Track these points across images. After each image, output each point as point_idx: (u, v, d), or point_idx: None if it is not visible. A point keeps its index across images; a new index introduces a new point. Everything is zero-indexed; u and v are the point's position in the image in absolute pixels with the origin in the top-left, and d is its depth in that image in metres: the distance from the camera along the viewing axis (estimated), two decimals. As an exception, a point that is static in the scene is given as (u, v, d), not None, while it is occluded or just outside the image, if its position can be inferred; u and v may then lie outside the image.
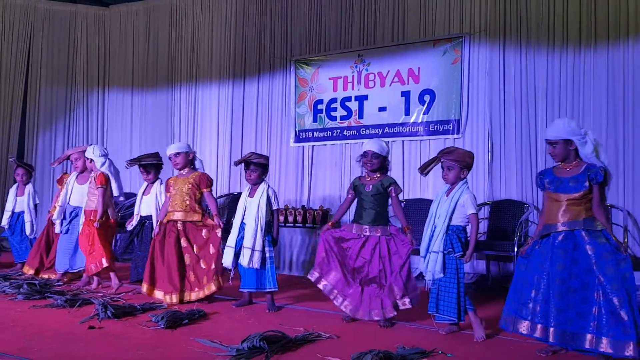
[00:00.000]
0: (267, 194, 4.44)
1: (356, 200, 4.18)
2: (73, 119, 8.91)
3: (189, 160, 4.72)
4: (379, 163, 4.06)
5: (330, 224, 4.25)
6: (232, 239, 4.44)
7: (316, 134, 7.03)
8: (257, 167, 4.47)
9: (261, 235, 4.33)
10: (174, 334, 3.54)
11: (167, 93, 8.27)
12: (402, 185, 6.47)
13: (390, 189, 4.02)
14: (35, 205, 6.30)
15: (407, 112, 6.44)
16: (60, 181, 5.90)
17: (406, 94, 6.45)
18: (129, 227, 5.09)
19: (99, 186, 5.04)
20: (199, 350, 3.14)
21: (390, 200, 4.09)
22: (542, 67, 5.72)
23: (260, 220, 4.35)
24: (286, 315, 4.17)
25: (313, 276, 4.13)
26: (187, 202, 4.58)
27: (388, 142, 6.42)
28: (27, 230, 6.12)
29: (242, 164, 4.59)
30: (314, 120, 7.05)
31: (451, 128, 6.16)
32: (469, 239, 3.62)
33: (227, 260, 4.40)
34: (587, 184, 3.13)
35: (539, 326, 3.15)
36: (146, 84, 8.49)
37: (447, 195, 3.74)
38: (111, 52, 8.82)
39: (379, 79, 6.64)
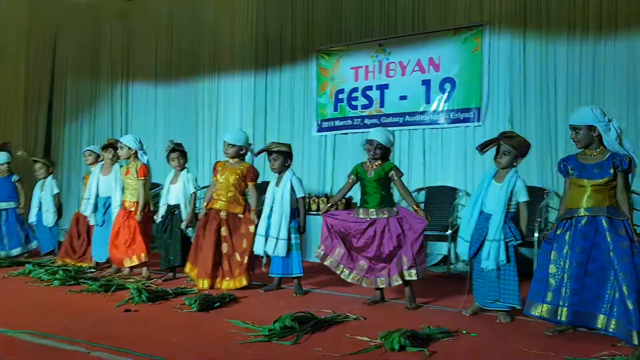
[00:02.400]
0: (291, 183, 4.56)
1: (360, 186, 4.25)
2: (98, 112, 9.14)
3: (241, 152, 4.80)
4: (382, 153, 4.15)
5: (330, 205, 4.37)
6: (261, 227, 4.59)
7: (337, 123, 7.14)
8: (278, 155, 4.59)
9: (286, 223, 4.46)
10: (206, 316, 3.70)
11: (190, 84, 8.42)
12: (423, 173, 6.59)
13: (391, 173, 4.10)
14: (58, 195, 6.46)
15: (428, 101, 6.51)
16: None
17: (427, 83, 6.53)
18: (158, 219, 5.23)
19: (142, 178, 5.15)
20: (232, 331, 3.28)
21: (393, 184, 4.17)
22: (563, 56, 5.76)
23: (285, 209, 4.48)
24: (313, 299, 4.31)
25: (318, 254, 4.28)
26: (232, 193, 4.69)
27: (409, 130, 6.66)
28: (47, 220, 6.33)
29: (266, 154, 4.71)
30: (335, 109, 7.16)
31: (472, 116, 6.23)
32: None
33: (258, 247, 4.55)
34: (611, 170, 3.20)
35: (557, 308, 3.23)
36: (169, 76, 8.64)
37: (496, 181, 3.77)
38: (135, 45, 8.97)
39: (399, 68, 6.72)
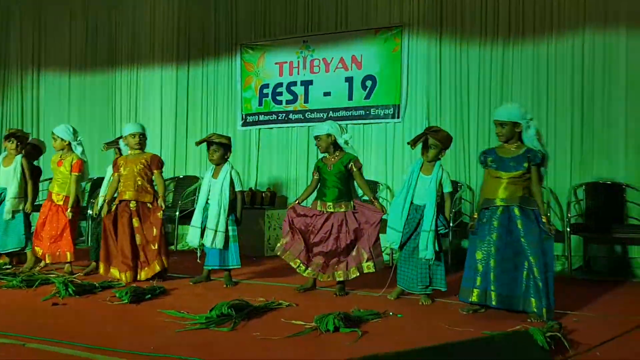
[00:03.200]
0: (230, 175, 4.62)
1: (320, 180, 4.39)
2: (7, 101, 8.66)
3: (144, 141, 4.82)
4: (326, 143, 4.29)
5: (297, 201, 4.49)
6: (196, 219, 4.61)
7: (262, 118, 7.22)
8: (218, 147, 4.63)
9: (224, 216, 4.52)
10: (138, 308, 3.70)
11: (107, 75, 8.18)
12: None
13: (350, 165, 4.26)
14: None
15: (351, 97, 6.75)
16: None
17: (349, 80, 6.76)
18: (95, 212, 5.13)
19: (76, 173, 5.00)
20: (168, 320, 3.32)
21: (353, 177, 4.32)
22: (475, 58, 6.17)
23: (223, 202, 4.53)
24: (243, 289, 4.39)
25: (279, 248, 4.38)
26: (140, 182, 4.69)
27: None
28: None
29: (206, 145, 4.72)
30: (260, 104, 7.24)
31: (392, 113, 6.52)
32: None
33: (194, 239, 4.58)
34: (526, 164, 3.52)
35: (485, 292, 3.52)
36: (85, 65, 8.34)
37: (424, 174, 4.02)
38: (47, 31, 8.56)
39: (323, 64, 6.90)
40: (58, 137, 5.08)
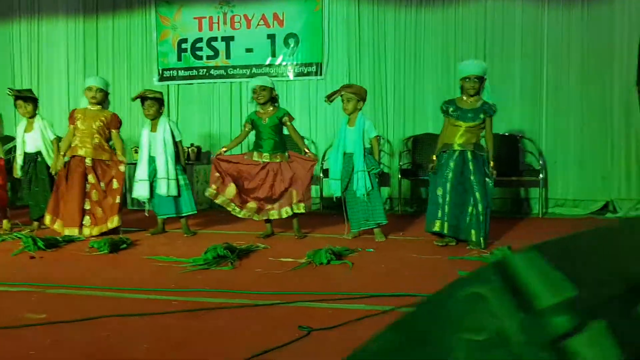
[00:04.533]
0: (170, 126, 4.71)
1: (255, 132, 4.64)
2: None
3: (106, 98, 4.74)
4: (268, 95, 4.55)
5: (224, 149, 4.70)
6: (143, 173, 4.68)
7: (182, 73, 7.19)
8: (153, 102, 4.72)
9: (172, 164, 4.65)
10: (122, 257, 3.79)
11: (4, 27, 7.56)
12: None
13: (284, 119, 4.58)
14: None
15: (274, 54, 6.96)
16: None
17: (272, 37, 6.96)
18: (19, 172, 4.93)
19: None
20: (162, 265, 3.48)
21: (285, 129, 4.65)
22: (391, 20, 6.68)
23: (168, 151, 4.66)
24: (205, 238, 4.58)
25: (210, 194, 4.58)
26: (97, 140, 4.64)
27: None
28: None
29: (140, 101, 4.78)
30: (179, 59, 7.19)
31: (314, 70, 6.86)
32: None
33: (143, 192, 4.64)
34: (482, 116, 4.09)
35: (443, 222, 4.08)
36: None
37: (349, 126, 4.47)
38: None
39: (244, 20, 7.01)
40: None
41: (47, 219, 4.58)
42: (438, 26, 6.56)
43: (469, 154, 4.08)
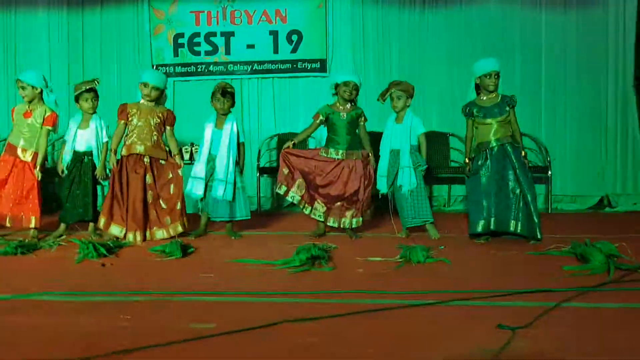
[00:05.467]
0: (237, 126, 4.56)
1: (328, 127, 4.56)
2: None
3: (161, 95, 4.49)
4: (357, 94, 4.52)
5: (291, 143, 4.56)
6: (201, 170, 4.49)
7: (179, 70, 6.90)
8: (231, 96, 4.55)
9: (233, 167, 4.47)
10: (196, 261, 3.59)
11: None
12: (274, 121, 6.96)
13: (361, 118, 4.54)
14: None
15: (276, 51, 6.84)
16: None
17: (274, 33, 6.83)
18: (63, 170, 4.58)
19: (50, 127, 4.40)
20: (251, 267, 3.34)
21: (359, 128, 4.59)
22: (395, 19, 6.76)
23: (232, 153, 4.47)
24: (256, 240, 4.43)
25: (281, 189, 4.47)
26: (155, 137, 4.39)
27: (258, 79, 6.90)
28: None
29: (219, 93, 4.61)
30: (176, 55, 6.89)
31: (319, 67, 6.81)
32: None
33: (199, 191, 4.47)
34: (507, 108, 4.21)
35: (490, 220, 4.17)
36: None
37: (397, 123, 4.50)
38: None
39: (245, 16, 6.84)
40: (28, 84, 4.39)
41: (102, 221, 4.28)
42: (441, 26, 6.73)
43: (508, 147, 4.18)
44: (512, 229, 4.18)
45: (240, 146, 4.61)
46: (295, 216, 5.72)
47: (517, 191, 4.18)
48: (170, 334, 2.10)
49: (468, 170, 4.34)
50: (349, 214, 4.49)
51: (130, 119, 4.38)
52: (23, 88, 4.40)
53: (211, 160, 4.53)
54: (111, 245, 3.85)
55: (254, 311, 2.43)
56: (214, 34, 6.87)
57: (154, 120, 4.39)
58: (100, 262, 3.45)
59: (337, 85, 4.57)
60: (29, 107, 4.44)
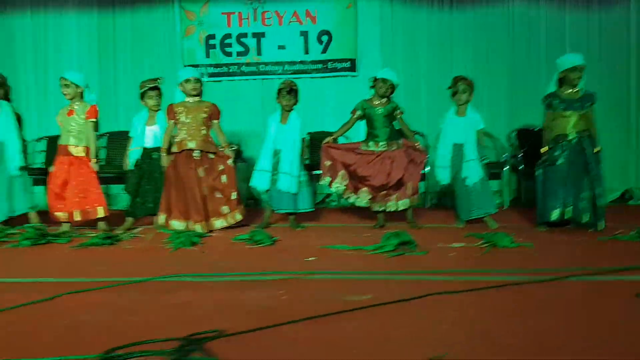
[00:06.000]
0: (300, 122, 4.71)
1: (366, 121, 4.76)
2: None
3: (201, 88, 4.64)
4: (392, 90, 4.68)
5: (331, 138, 4.75)
6: (265, 164, 4.63)
7: (211, 70, 6.96)
8: (296, 94, 4.69)
9: (297, 160, 4.61)
10: (288, 248, 3.70)
11: (4, 20, 6.92)
12: (305, 120, 7.05)
13: (397, 111, 4.71)
14: None
15: (307, 51, 6.96)
16: None
17: (305, 34, 6.95)
18: (129, 165, 4.69)
19: (93, 120, 4.48)
20: (348, 253, 3.46)
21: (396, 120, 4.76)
22: (423, 19, 6.95)
23: (297, 146, 4.64)
24: (322, 231, 4.55)
25: (325, 180, 4.65)
26: (204, 132, 4.50)
27: (289, 79, 6.99)
28: None
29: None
30: (207, 55, 6.96)
31: (349, 66, 6.94)
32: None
33: (263, 184, 4.59)
34: (588, 104, 4.39)
35: (564, 209, 4.32)
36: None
37: (459, 116, 4.65)
38: None
39: (276, 17, 6.95)
40: (72, 83, 4.45)
41: (162, 218, 4.40)
42: (468, 26, 6.93)
43: (586, 140, 4.37)
44: (585, 220, 4.31)
45: (302, 141, 4.72)
46: (333, 211, 5.87)
47: (590, 184, 4.32)
48: (328, 306, 2.20)
49: (544, 161, 4.46)
50: (393, 197, 4.64)
51: (177, 117, 4.51)
52: (67, 86, 4.49)
53: (276, 154, 4.63)
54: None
55: (396, 287, 2.55)
56: (245, 35, 6.96)
57: (201, 115, 4.53)
58: (199, 249, 3.55)
59: (375, 79, 4.72)
60: (70, 106, 4.51)
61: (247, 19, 6.95)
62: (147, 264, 3.30)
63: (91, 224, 4.54)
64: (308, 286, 2.62)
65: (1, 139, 4.64)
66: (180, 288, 2.62)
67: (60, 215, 4.42)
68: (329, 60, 6.96)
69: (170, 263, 3.23)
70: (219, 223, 4.48)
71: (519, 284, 2.55)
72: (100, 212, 4.44)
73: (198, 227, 4.33)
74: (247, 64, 6.98)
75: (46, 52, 6.98)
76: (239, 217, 4.54)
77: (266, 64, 6.97)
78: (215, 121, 4.62)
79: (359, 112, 4.70)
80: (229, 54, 6.97)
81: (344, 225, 4.88)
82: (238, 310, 2.23)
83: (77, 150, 4.46)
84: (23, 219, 4.65)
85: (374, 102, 4.70)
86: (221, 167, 4.56)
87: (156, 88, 4.72)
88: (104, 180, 5.95)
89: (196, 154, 4.47)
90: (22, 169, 4.67)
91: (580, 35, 6.83)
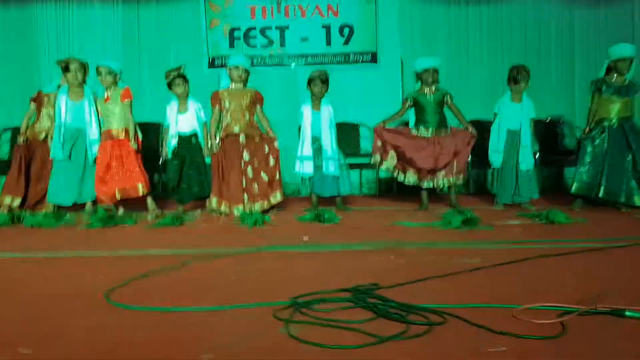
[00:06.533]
0: (331, 109, 4.93)
1: (416, 109, 5.02)
2: None
3: (247, 76, 4.85)
4: (437, 74, 4.99)
5: (383, 122, 5.04)
6: (307, 150, 4.85)
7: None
8: (327, 83, 4.89)
9: (336, 145, 4.91)
10: (358, 226, 3.94)
11: (27, 7, 6.93)
12: (334, 109, 7.28)
13: (447, 97, 4.99)
14: None
15: (329, 43, 7.17)
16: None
17: (327, 27, 7.15)
18: (167, 154, 4.83)
19: (127, 100, 4.69)
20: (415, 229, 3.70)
21: (446, 106, 5.05)
22: (441, 13, 7.22)
23: (333, 132, 4.93)
24: (371, 213, 4.79)
25: (375, 159, 4.96)
26: (248, 117, 4.74)
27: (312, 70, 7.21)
28: None
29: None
30: (231, 47, 7.11)
31: (369, 59, 7.18)
32: None
33: (309, 169, 4.84)
34: (633, 92, 4.74)
35: (595, 186, 4.66)
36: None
37: (514, 102, 4.96)
38: None
39: (299, 10, 7.14)
40: (112, 70, 4.60)
41: (214, 201, 4.59)
42: (483, 22, 7.24)
43: (626, 125, 4.71)
44: (622, 199, 4.65)
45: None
46: (363, 197, 6.14)
47: (632, 165, 4.66)
48: (447, 268, 2.45)
49: (584, 138, 4.80)
50: (441, 174, 4.91)
51: (222, 103, 4.70)
52: (103, 74, 4.65)
53: (315, 141, 4.88)
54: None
55: (493, 253, 2.81)
56: (269, 28, 7.13)
57: (245, 101, 4.75)
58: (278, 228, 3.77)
59: (417, 74, 4.98)
60: (106, 93, 4.70)
61: (271, 11, 7.12)
62: (237, 239, 3.50)
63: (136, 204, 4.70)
64: (414, 253, 2.84)
65: (81, 126, 4.75)
66: (287, 257, 2.82)
67: (104, 198, 4.56)
68: (351, 53, 7.18)
69: (261, 236, 3.44)
70: (259, 205, 4.68)
71: (602, 249, 2.83)
72: (140, 189, 4.58)
73: (236, 210, 4.56)
74: (271, 56, 7.15)
75: (70, 44, 7.01)
76: (279, 197, 4.77)
77: (289, 55, 7.16)
78: (259, 107, 4.84)
79: (409, 102, 4.98)
80: (253, 46, 7.13)
81: (385, 208, 5.11)
82: (361, 272, 2.44)
83: (118, 133, 4.64)
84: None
85: (424, 90, 4.97)
86: (267, 149, 4.77)
87: (182, 76, 4.87)
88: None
89: (241, 138, 4.67)
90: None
91: (588, 32, 7.21)
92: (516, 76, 4.97)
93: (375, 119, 7.11)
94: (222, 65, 7.10)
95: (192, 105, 4.86)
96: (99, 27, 7.05)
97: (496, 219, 4.09)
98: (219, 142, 4.70)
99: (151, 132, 6.71)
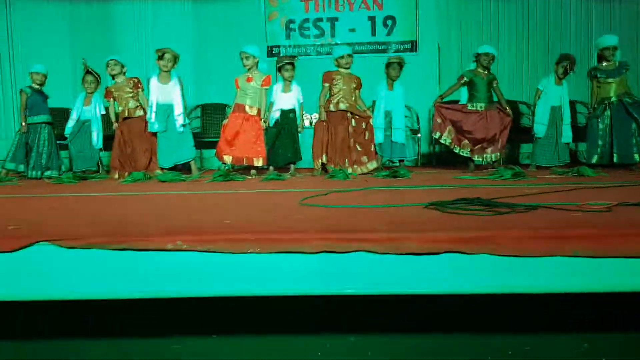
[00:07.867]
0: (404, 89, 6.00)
1: (469, 87, 5.94)
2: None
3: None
4: (492, 63, 5.91)
5: (440, 98, 5.98)
6: (380, 122, 5.82)
7: (290, 51, 8.01)
8: (402, 67, 5.98)
9: (404, 118, 5.91)
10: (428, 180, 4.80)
11: (105, 6, 7.86)
12: (370, 94, 8.18)
13: (495, 81, 5.92)
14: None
15: (374, 33, 8.06)
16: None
17: (372, 18, 8.05)
18: (269, 123, 5.73)
19: (266, 87, 5.58)
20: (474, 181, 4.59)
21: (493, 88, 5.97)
22: (474, 8, 8.12)
23: (403, 108, 5.97)
24: (425, 175, 5.67)
25: (435, 134, 5.89)
26: (354, 97, 5.73)
27: (358, 58, 8.09)
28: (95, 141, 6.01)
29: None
30: (287, 37, 8.01)
31: (410, 47, 8.07)
32: None
33: (379, 137, 5.78)
34: (624, 71, 5.65)
35: (605, 154, 5.58)
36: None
37: (556, 84, 5.90)
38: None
39: (347, 4, 8.03)
40: (251, 55, 5.50)
41: (319, 162, 5.74)
42: (511, 14, 8.13)
43: (625, 99, 5.63)
44: (637, 159, 5.59)
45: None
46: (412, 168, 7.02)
47: (634, 128, 5.58)
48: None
49: (592, 116, 5.76)
50: (489, 150, 5.83)
51: (335, 83, 5.65)
52: (247, 58, 5.51)
53: (387, 115, 5.85)
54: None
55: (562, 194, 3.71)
56: (320, 20, 8.03)
57: (352, 84, 5.69)
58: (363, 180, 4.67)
59: (478, 55, 5.87)
60: (249, 74, 5.55)
61: (323, 5, 8.02)
62: (337, 185, 4.38)
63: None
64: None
65: (170, 103, 5.67)
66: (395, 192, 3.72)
67: (227, 158, 5.47)
68: (393, 42, 8.07)
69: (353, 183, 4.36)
70: (359, 170, 5.67)
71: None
72: (259, 162, 5.52)
73: (349, 170, 5.53)
74: (322, 45, 8.05)
75: (146, 38, 7.94)
76: (375, 164, 5.74)
77: (339, 44, 8.04)
78: (358, 91, 5.81)
79: (465, 79, 5.90)
80: (306, 37, 8.04)
81: (429, 172, 6.01)
82: (461, 195, 3.34)
83: (252, 110, 5.52)
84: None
85: (478, 72, 5.88)
86: (364, 125, 5.76)
87: (291, 63, 5.77)
88: (200, 145, 7.05)
89: (349, 114, 5.66)
90: (184, 125, 5.73)
91: (604, 25, 8.08)
92: (566, 67, 5.85)
93: (415, 101, 8.12)
94: (278, 54, 8.02)
95: (295, 88, 5.84)
96: (172, 22, 7.96)
97: (533, 175, 4.98)
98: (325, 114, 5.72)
99: (217, 111, 7.68)
